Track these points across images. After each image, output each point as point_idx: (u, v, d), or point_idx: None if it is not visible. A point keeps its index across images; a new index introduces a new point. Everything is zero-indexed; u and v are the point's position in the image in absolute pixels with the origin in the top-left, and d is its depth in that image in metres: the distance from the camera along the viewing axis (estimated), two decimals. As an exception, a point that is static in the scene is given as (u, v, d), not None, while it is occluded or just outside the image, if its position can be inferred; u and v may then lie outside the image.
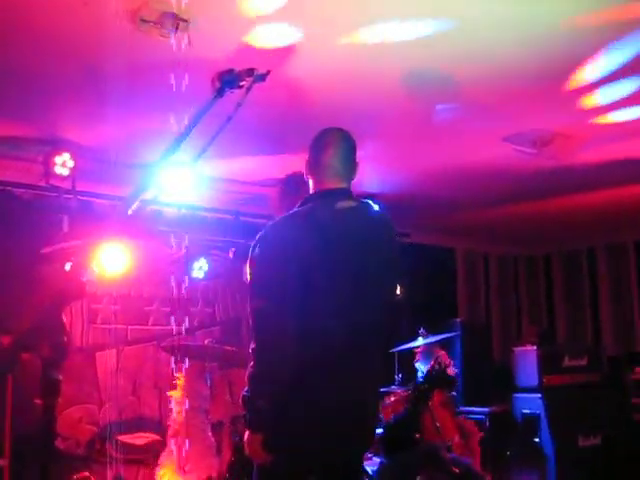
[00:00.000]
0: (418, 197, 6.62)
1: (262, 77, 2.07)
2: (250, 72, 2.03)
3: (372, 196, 5.59)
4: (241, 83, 2.04)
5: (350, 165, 2.95)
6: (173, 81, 3.26)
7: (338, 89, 4.09)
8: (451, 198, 6.72)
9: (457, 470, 4.42)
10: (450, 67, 3.89)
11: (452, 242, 8.59)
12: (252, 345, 2.64)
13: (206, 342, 5.09)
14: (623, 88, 4.15)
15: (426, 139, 5.03)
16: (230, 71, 2.02)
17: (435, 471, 4.32)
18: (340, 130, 2.99)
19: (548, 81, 4.05)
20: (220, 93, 1.98)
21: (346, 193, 2.93)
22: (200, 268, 5.82)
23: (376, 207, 3.12)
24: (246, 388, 2.64)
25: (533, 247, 9.33)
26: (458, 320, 7.16)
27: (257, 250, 2.75)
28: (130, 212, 1.98)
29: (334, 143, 2.94)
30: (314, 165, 2.95)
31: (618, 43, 3.60)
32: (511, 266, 9.54)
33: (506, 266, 9.46)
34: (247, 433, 2.68)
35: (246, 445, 2.69)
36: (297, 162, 3.19)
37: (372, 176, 5.63)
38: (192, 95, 2.97)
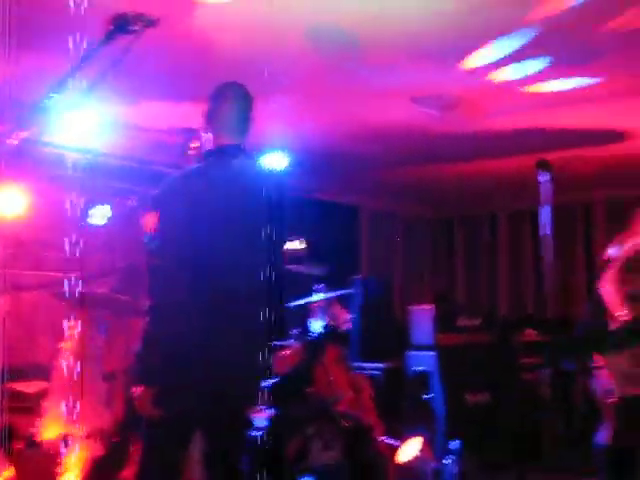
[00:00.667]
0: (325, 154, 6.63)
1: (152, 22, 2.03)
2: (141, 17, 1.98)
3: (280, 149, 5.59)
4: (133, 28, 1.99)
5: (246, 120, 3.06)
6: (66, 20, 3.14)
7: (244, 41, 4.02)
8: (359, 156, 6.75)
9: (347, 424, 4.52)
10: (359, 26, 3.87)
11: (357, 200, 8.67)
12: (148, 302, 2.70)
13: (102, 290, 5.00)
14: (528, 62, 4.24)
15: (335, 97, 5.02)
16: (123, 15, 1.97)
17: (325, 424, 4.41)
18: (238, 85, 3.07)
19: (455, 46, 4.09)
20: (110, 36, 1.93)
21: (241, 149, 3.05)
22: (101, 215, 5.69)
23: (272, 163, 3.26)
24: (139, 344, 2.69)
25: (437, 210, 9.52)
26: (358, 277, 7.23)
27: (154, 208, 2.83)
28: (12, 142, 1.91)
29: (232, 98, 3.04)
30: (212, 119, 3.05)
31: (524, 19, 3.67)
32: (414, 227, 9.72)
33: (410, 227, 9.62)
34: (138, 387, 2.73)
35: (136, 399, 2.74)
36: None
37: (279, 130, 5.60)
38: (85, 36, 2.88)
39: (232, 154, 3.00)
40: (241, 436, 3.13)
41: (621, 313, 3.88)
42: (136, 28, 1.99)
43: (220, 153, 3.02)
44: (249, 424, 3.31)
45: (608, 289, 3.98)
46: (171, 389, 2.71)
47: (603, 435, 4.06)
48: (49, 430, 4.56)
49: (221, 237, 2.81)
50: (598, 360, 4.02)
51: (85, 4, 3.13)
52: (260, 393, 3.21)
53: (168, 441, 2.82)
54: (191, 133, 5.65)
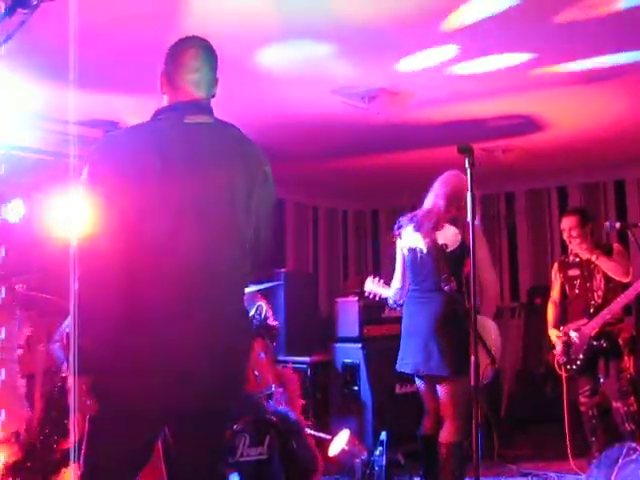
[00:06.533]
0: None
1: (52, -4, 1.92)
2: (42, -10, 1.87)
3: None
4: (34, 2, 1.88)
5: (211, 75, 2.62)
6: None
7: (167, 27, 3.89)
8: (283, 149, 6.68)
9: (275, 419, 4.46)
10: (279, 14, 3.79)
11: (282, 193, 8.61)
12: (76, 279, 2.29)
13: (18, 288, 4.79)
14: (445, 50, 4.25)
15: (254, 87, 4.92)
16: (23, -12, 1.85)
17: (252, 420, 4.34)
18: (202, 38, 2.64)
19: (374, 36, 4.05)
20: (10, 12, 1.81)
21: (203, 106, 2.58)
22: (15, 210, 5.46)
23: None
24: (66, 322, 2.39)
25: (362, 201, 9.53)
26: (282, 270, 7.20)
27: (86, 172, 2.37)
28: None
29: (195, 46, 2.60)
30: (169, 72, 2.57)
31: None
32: (340, 219, 9.73)
33: (335, 219, 9.63)
34: (70, 378, 2.32)
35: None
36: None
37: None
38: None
39: (188, 109, 2.49)
40: (217, 433, 2.59)
41: None
42: (35, 2, 1.86)
43: (172, 109, 2.51)
44: (226, 421, 2.79)
45: None
46: (110, 376, 2.29)
47: None
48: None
49: (163, 207, 2.35)
50: None
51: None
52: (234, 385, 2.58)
53: (113, 442, 2.35)
54: (111, 126, 5.52)
